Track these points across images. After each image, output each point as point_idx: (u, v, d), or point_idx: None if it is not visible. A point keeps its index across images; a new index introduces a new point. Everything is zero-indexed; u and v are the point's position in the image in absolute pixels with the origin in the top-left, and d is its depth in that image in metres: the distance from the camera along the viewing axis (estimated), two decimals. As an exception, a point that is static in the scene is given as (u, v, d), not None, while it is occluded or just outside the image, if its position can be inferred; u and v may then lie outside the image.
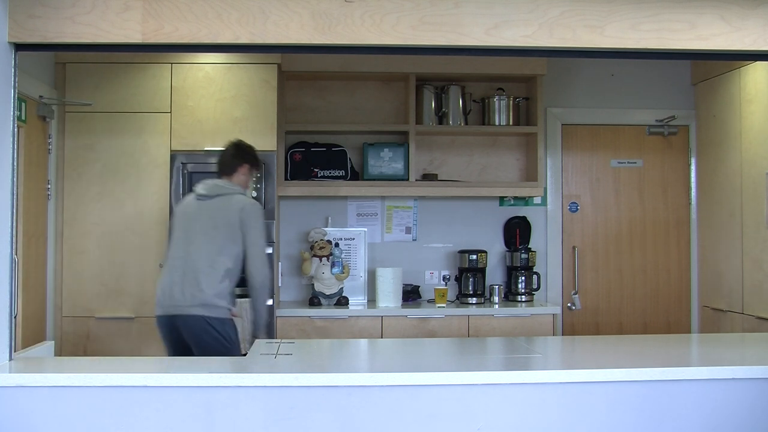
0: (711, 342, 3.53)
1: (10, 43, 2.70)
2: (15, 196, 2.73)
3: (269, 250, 3.60)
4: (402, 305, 4.68)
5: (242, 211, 3.59)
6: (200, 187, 3.71)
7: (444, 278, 5.02)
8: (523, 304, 4.82)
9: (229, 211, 3.59)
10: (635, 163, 5.26)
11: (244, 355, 3.48)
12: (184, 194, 4.35)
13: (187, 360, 3.29)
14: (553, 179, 5.19)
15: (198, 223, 3.61)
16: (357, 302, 4.81)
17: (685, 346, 3.43)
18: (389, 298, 4.64)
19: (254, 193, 4.37)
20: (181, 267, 3.57)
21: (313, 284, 4.74)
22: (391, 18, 2.73)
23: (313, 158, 4.83)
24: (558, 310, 4.72)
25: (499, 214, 5.15)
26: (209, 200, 3.65)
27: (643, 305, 5.23)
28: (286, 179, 4.77)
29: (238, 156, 3.79)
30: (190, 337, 3.53)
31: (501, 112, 4.93)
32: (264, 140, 4.41)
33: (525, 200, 5.15)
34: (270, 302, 3.60)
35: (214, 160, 4.39)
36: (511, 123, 4.94)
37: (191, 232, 3.62)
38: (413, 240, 5.11)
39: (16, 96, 2.76)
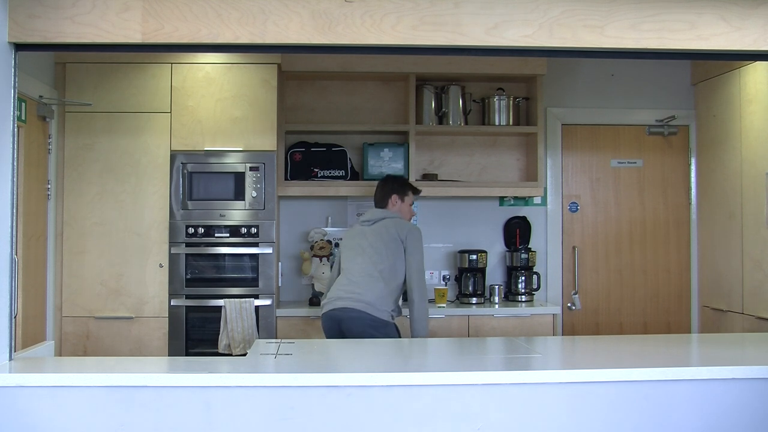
0: (711, 342, 3.53)
1: (10, 43, 2.70)
2: (15, 196, 2.73)
3: (419, 267, 3.95)
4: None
5: (402, 231, 3.95)
6: (363, 217, 4.14)
7: (444, 278, 5.02)
8: (523, 304, 4.82)
9: (393, 231, 3.95)
10: (635, 163, 5.26)
11: (244, 355, 3.48)
12: (184, 194, 4.37)
13: (187, 360, 3.29)
14: (553, 179, 5.19)
15: (366, 240, 3.99)
16: (357, 302, 4.80)
17: (685, 346, 3.43)
18: (389, 298, 4.63)
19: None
20: (351, 274, 3.96)
21: (313, 284, 4.74)
22: (391, 18, 2.73)
23: (313, 158, 4.83)
24: (558, 310, 4.72)
25: (499, 214, 5.16)
26: (373, 224, 4.03)
27: (643, 305, 5.23)
28: (286, 179, 4.77)
29: (386, 189, 4.17)
30: (352, 328, 3.83)
31: (501, 112, 4.93)
32: (264, 140, 4.42)
33: (525, 200, 5.15)
34: (427, 314, 3.96)
35: (214, 159, 4.41)
36: (511, 123, 4.94)
37: (360, 248, 3.99)
38: (413, 240, 5.10)
39: (16, 96, 2.76)
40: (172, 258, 4.37)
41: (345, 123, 4.94)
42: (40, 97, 4.07)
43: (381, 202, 4.17)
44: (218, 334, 4.34)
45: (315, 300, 4.68)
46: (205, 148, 4.40)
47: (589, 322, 5.21)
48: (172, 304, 4.36)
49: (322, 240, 4.75)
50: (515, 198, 5.13)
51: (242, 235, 4.41)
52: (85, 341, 4.33)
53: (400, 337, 3.95)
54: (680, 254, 5.25)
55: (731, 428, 2.64)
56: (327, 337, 3.95)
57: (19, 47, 2.75)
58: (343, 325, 3.85)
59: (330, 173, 4.82)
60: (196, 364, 2.99)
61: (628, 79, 5.22)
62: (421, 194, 4.89)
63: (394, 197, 4.14)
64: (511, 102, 4.94)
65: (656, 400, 2.61)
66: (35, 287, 4.08)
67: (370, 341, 3.61)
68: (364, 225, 4.07)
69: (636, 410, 2.61)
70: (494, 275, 5.08)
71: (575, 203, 5.23)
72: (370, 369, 2.78)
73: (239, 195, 4.42)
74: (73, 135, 4.37)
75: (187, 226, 4.38)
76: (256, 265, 4.43)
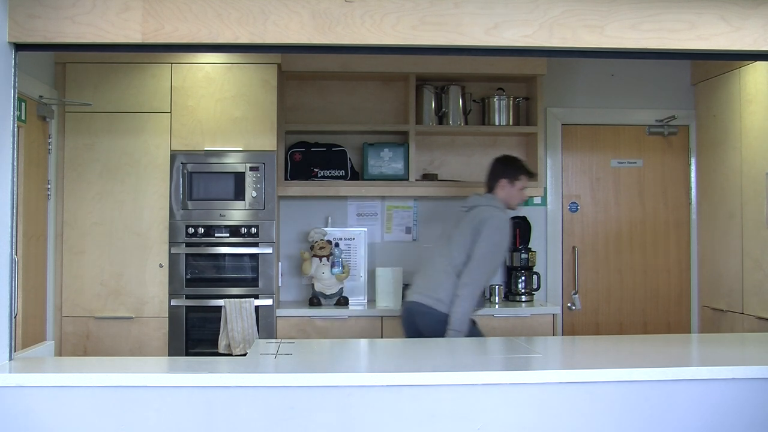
0: (711, 342, 3.53)
1: (10, 43, 2.70)
2: (15, 196, 2.73)
3: (480, 255, 3.71)
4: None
5: (481, 222, 3.73)
6: (465, 201, 3.97)
7: (444, 278, 5.01)
8: (523, 304, 4.82)
9: (476, 220, 3.76)
10: (635, 163, 5.26)
11: (244, 355, 3.48)
12: (184, 194, 4.37)
13: (187, 360, 3.29)
14: (553, 179, 5.19)
15: (455, 229, 3.85)
16: (357, 302, 4.81)
17: (685, 346, 3.43)
18: (389, 298, 4.63)
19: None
20: (428, 266, 3.92)
21: (313, 284, 4.74)
22: (391, 18, 2.73)
23: (313, 158, 4.83)
24: (558, 310, 4.72)
25: (499, 214, 5.15)
26: (468, 212, 3.86)
27: (643, 305, 5.23)
28: (286, 179, 4.77)
29: (495, 171, 3.95)
30: (423, 323, 3.77)
31: (501, 112, 4.93)
32: (264, 140, 4.42)
33: (525, 200, 5.14)
34: (465, 312, 3.71)
35: (214, 159, 4.41)
36: (511, 123, 4.94)
37: (447, 237, 3.88)
38: (413, 240, 5.11)
39: (16, 96, 2.76)
40: (172, 258, 4.37)
41: (345, 123, 4.94)
42: (40, 97, 4.07)
43: (489, 184, 3.95)
44: (218, 334, 4.34)
45: (315, 300, 4.68)
46: (205, 148, 4.40)
47: (589, 322, 5.21)
48: (172, 304, 4.36)
49: (322, 240, 4.75)
50: (515, 198, 5.12)
51: (242, 235, 4.41)
52: (85, 341, 4.33)
53: (477, 330, 3.83)
54: (680, 254, 5.25)
55: (731, 428, 2.64)
56: (404, 328, 3.93)
57: (19, 47, 2.74)
58: (416, 320, 3.82)
59: (330, 173, 4.82)
60: (196, 364, 2.99)
61: (628, 79, 5.22)
62: (421, 194, 4.91)
63: (503, 181, 3.91)
64: (511, 102, 4.94)
65: (656, 400, 2.61)
66: (35, 287, 4.08)
67: (370, 341, 3.61)
68: (462, 211, 3.90)
69: (636, 410, 2.61)
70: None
71: (575, 203, 5.22)
72: (370, 369, 2.79)
73: (239, 195, 4.42)
74: (73, 135, 4.37)
75: (187, 226, 4.38)
76: (256, 265, 4.43)
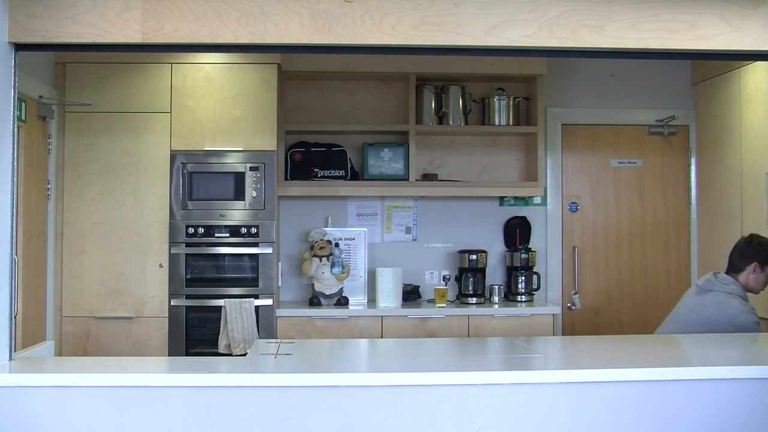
0: (711, 342, 3.52)
1: (10, 43, 2.70)
2: (15, 196, 2.73)
3: None
4: (402, 305, 4.68)
5: (727, 321, 3.52)
6: (700, 279, 3.68)
7: (444, 278, 5.02)
8: (523, 304, 4.82)
9: (709, 312, 3.57)
10: (635, 163, 5.26)
11: (244, 355, 3.48)
12: (184, 194, 4.37)
13: (187, 360, 3.29)
14: (553, 179, 5.19)
15: (680, 307, 3.68)
16: (357, 302, 4.81)
17: (685, 346, 3.43)
18: (389, 298, 4.64)
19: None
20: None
21: (313, 284, 4.74)
22: (391, 18, 2.73)
23: (313, 158, 4.83)
24: (558, 310, 4.72)
25: (499, 214, 5.15)
26: (700, 294, 3.62)
27: (643, 305, 5.22)
28: (286, 179, 4.77)
29: (748, 252, 3.65)
30: None
31: (501, 112, 4.93)
32: (264, 140, 4.42)
33: (525, 200, 5.15)
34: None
35: (214, 159, 4.41)
36: (511, 123, 4.94)
37: (670, 316, 3.70)
38: (413, 240, 5.11)
39: (16, 96, 2.76)
40: (172, 258, 4.37)
41: (345, 123, 4.94)
42: (40, 97, 4.07)
43: (737, 264, 3.66)
44: (218, 334, 4.34)
45: (315, 300, 4.68)
46: (205, 148, 4.40)
47: (589, 322, 5.21)
48: (172, 304, 4.36)
49: (322, 240, 4.75)
50: (515, 198, 5.13)
51: (242, 235, 4.41)
52: (85, 341, 4.33)
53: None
54: (680, 254, 5.25)
55: (731, 428, 2.64)
56: None
57: (19, 47, 2.74)
58: None
59: (330, 173, 4.82)
60: (196, 364, 2.98)
61: (628, 79, 5.22)
62: (421, 194, 4.91)
63: (755, 264, 3.63)
64: (511, 102, 4.94)
65: (656, 400, 2.61)
66: (35, 287, 4.08)
67: (370, 341, 3.61)
68: (696, 293, 3.66)
69: (636, 410, 2.61)
70: (494, 275, 5.08)
71: (575, 203, 5.23)
72: (370, 369, 2.79)
73: (239, 195, 4.42)
74: (73, 135, 4.37)
75: (187, 226, 4.38)
76: (256, 265, 4.43)
